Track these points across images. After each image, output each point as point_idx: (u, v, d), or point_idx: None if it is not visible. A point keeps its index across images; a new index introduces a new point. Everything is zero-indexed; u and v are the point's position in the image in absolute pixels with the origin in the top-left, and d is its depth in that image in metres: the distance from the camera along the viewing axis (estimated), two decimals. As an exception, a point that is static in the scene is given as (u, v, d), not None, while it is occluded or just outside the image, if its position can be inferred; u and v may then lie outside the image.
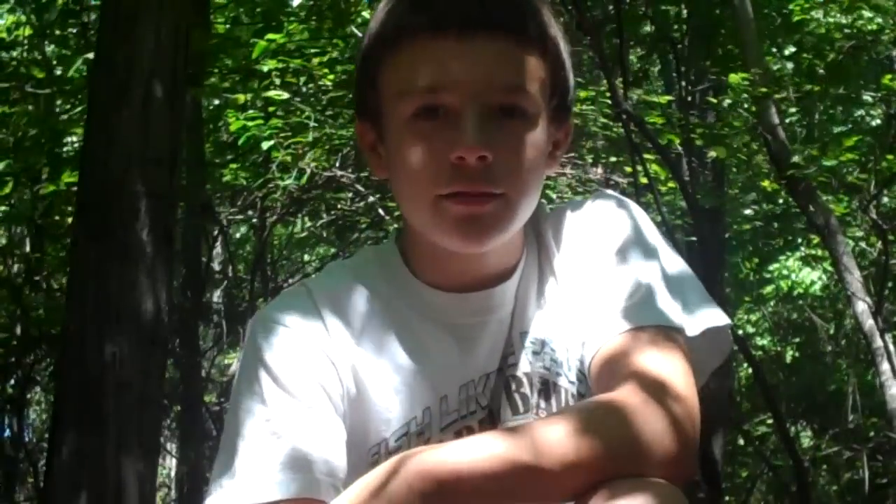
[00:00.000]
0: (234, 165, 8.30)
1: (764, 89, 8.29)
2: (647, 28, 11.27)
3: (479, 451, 1.57)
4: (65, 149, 8.38)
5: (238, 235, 13.93)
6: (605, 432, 1.59)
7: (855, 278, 8.23)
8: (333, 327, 1.82)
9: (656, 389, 1.65)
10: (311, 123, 7.51)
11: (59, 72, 8.80)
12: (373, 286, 1.87)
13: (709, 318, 1.83)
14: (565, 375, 1.84)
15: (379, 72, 1.79)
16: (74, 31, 9.55)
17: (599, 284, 1.81)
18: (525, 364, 1.84)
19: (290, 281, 10.44)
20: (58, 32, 9.57)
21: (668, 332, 1.76)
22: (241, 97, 7.83)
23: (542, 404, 1.83)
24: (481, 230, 1.74)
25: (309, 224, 10.23)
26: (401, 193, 1.82)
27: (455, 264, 1.81)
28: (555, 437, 1.57)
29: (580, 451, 1.57)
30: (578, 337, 1.82)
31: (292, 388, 1.76)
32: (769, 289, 15.40)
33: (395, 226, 1.86)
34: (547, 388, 1.83)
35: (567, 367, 1.84)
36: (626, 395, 1.63)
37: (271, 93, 7.64)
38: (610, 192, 1.99)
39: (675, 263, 1.88)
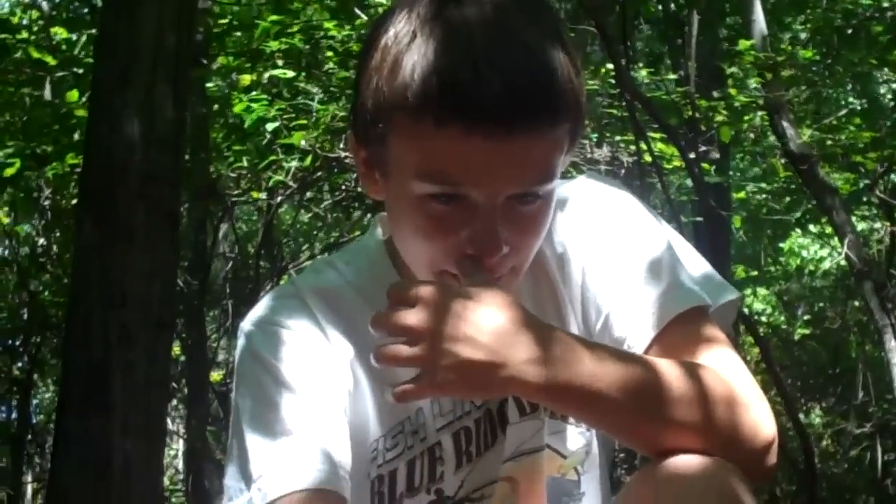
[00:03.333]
0: (238, 147, 8.29)
1: (778, 57, 8.29)
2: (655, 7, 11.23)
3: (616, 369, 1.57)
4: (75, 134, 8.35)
5: (246, 219, 13.93)
6: (723, 408, 1.59)
7: (861, 256, 8.22)
8: (327, 326, 1.81)
9: (734, 380, 1.64)
10: (315, 105, 7.50)
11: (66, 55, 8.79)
12: (360, 285, 1.85)
13: (723, 292, 1.83)
14: None
15: (392, 133, 1.65)
16: (84, 11, 9.54)
17: (619, 276, 1.78)
18: None
19: (296, 262, 10.44)
20: (65, 15, 9.57)
21: (704, 313, 1.75)
22: (247, 78, 7.81)
23: None
24: None
25: (314, 210, 10.22)
26: (403, 247, 1.77)
27: None
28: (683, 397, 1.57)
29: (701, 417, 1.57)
30: (601, 332, 1.78)
31: (299, 387, 1.75)
32: (773, 268, 15.39)
33: (382, 213, 1.82)
34: None
35: None
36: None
37: (276, 71, 7.63)
38: (593, 175, 1.96)
39: (679, 241, 1.87)
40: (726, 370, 1.64)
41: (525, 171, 1.62)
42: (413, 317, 1.55)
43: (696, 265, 1.85)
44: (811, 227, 13.62)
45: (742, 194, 11.68)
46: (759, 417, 1.60)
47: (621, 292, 1.76)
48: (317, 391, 1.75)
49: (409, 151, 1.63)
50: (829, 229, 10.91)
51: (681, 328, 1.71)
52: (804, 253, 15.28)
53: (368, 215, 8.96)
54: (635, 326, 1.73)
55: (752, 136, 9.97)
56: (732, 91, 8.90)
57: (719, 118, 8.55)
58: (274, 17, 7.84)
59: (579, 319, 1.83)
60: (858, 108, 12.23)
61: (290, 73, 7.60)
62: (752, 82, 9.24)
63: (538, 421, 1.85)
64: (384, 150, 1.68)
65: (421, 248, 1.69)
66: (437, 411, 1.83)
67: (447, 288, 1.59)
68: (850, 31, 10.02)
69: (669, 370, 1.59)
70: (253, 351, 1.79)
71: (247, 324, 1.84)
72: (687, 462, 1.54)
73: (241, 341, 1.83)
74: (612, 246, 1.80)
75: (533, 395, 1.61)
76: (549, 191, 1.68)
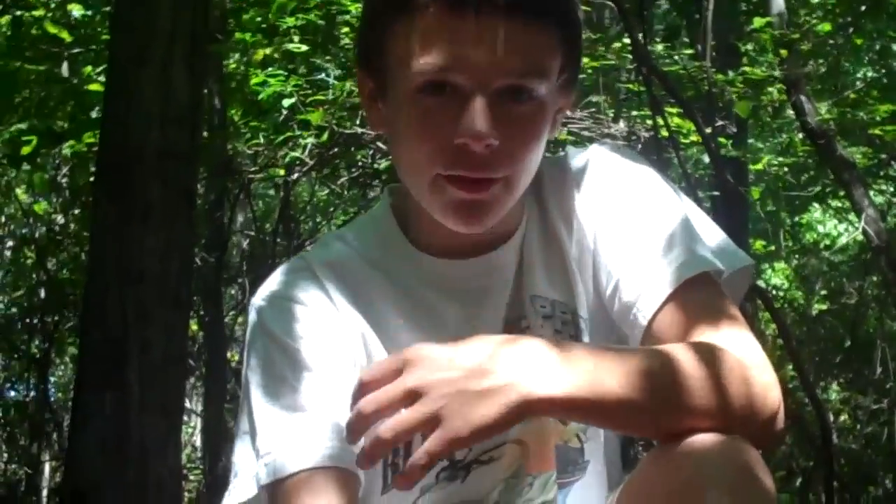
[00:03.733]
0: (254, 123, 8.28)
1: (793, 35, 8.25)
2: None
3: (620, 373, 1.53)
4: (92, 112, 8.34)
5: (263, 196, 13.93)
6: (727, 384, 1.56)
7: (879, 230, 8.19)
8: (338, 299, 1.81)
9: (741, 350, 1.62)
10: (331, 80, 7.49)
11: (82, 31, 8.77)
12: (370, 256, 1.85)
13: (736, 259, 1.83)
14: (578, 336, 1.82)
15: (388, 35, 1.72)
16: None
17: (631, 243, 1.78)
18: (537, 327, 1.82)
19: (313, 239, 10.43)
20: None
21: (715, 279, 1.75)
22: (261, 52, 7.79)
23: None
24: (480, 215, 1.72)
25: (331, 186, 10.21)
26: (400, 161, 1.79)
27: (454, 232, 1.76)
28: (686, 380, 1.54)
29: (704, 399, 1.54)
30: (610, 298, 1.79)
31: (310, 362, 1.74)
32: (790, 243, 15.35)
33: (391, 184, 1.85)
34: None
35: (582, 326, 1.83)
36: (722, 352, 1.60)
37: (291, 46, 7.62)
38: (608, 142, 1.97)
39: (692, 207, 1.87)
40: (734, 342, 1.63)
41: (510, 59, 1.66)
42: (408, 379, 1.48)
43: (709, 232, 1.85)
44: (829, 202, 13.58)
45: (760, 165, 11.64)
46: (767, 387, 1.60)
47: (632, 258, 1.77)
48: (328, 366, 1.75)
49: (404, 46, 1.69)
50: (846, 203, 10.88)
51: (690, 294, 1.71)
52: (821, 228, 15.23)
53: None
54: (645, 291, 1.73)
55: (769, 110, 9.92)
56: (747, 69, 8.86)
57: (736, 93, 8.51)
58: (290, -8, 7.81)
59: (590, 287, 1.83)
60: (876, 80, 12.16)
61: (305, 48, 7.58)
62: (769, 58, 9.20)
63: None
64: (383, 62, 1.74)
65: (415, 152, 1.71)
66: None
67: (428, 344, 1.53)
68: (863, 8, 9.96)
69: (682, 358, 1.56)
70: (264, 326, 1.79)
71: (257, 299, 1.84)
72: (702, 441, 1.52)
73: (251, 316, 1.83)
74: (624, 212, 1.81)
75: (554, 411, 1.57)
76: (542, 94, 1.70)
